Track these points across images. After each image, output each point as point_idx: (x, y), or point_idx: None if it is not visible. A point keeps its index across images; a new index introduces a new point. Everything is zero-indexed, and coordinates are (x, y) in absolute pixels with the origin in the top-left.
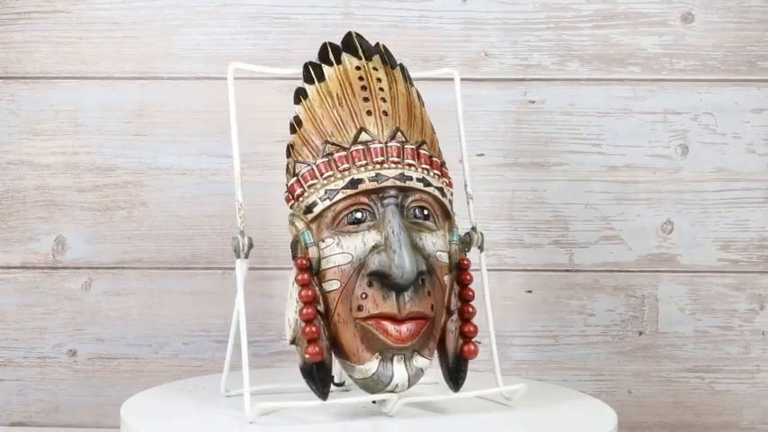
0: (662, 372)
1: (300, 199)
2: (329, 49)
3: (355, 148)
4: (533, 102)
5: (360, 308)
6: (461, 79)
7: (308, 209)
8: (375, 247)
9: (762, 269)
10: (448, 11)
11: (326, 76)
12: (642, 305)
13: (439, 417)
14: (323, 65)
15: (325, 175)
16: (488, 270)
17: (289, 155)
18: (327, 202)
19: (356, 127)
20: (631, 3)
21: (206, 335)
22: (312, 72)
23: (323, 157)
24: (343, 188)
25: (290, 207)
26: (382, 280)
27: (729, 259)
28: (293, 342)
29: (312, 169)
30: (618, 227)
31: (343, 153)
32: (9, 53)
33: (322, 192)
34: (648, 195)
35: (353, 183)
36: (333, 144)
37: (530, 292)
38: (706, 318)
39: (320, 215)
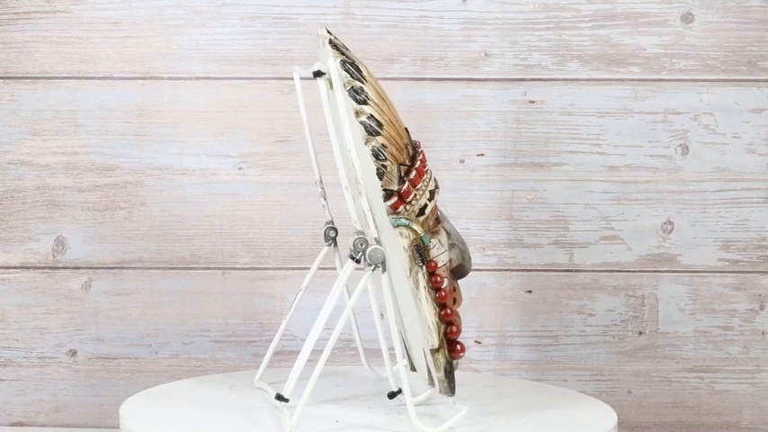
0: (662, 372)
1: (413, 202)
2: (340, 48)
3: (420, 149)
4: (533, 102)
5: (455, 301)
6: (462, 79)
7: (421, 211)
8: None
9: (762, 269)
10: (448, 11)
11: (365, 76)
12: (642, 305)
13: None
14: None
15: (423, 177)
16: (488, 270)
17: (384, 158)
18: (432, 203)
19: (403, 128)
20: (631, 3)
21: (206, 335)
22: (355, 70)
23: (412, 159)
24: (435, 188)
25: (396, 212)
26: (456, 272)
27: (729, 259)
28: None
29: (416, 172)
30: (618, 227)
31: (420, 155)
32: (9, 53)
33: (428, 193)
34: (648, 195)
35: (436, 183)
36: (411, 146)
37: (530, 292)
38: (706, 318)
39: (426, 217)
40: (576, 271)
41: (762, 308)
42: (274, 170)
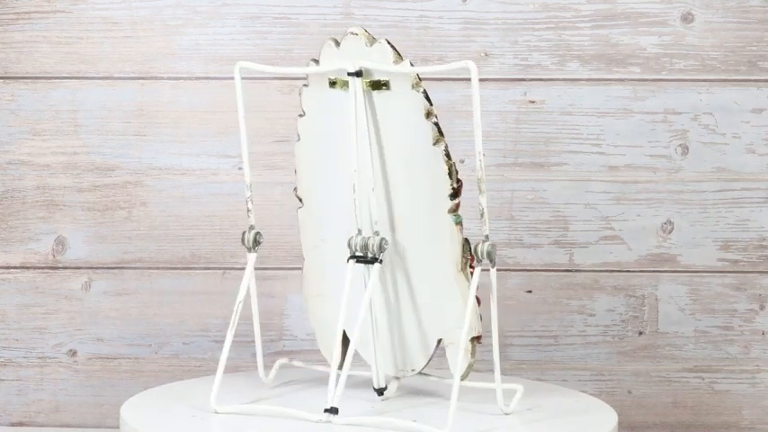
0: (662, 372)
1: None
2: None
3: None
4: (533, 102)
5: None
6: (462, 79)
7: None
8: None
9: (762, 269)
10: (448, 11)
11: None
12: (642, 305)
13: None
14: None
15: None
16: (488, 270)
17: (450, 158)
18: None
19: None
20: (631, 3)
21: (206, 335)
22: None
23: None
24: None
25: (455, 210)
26: None
27: (729, 259)
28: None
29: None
30: (618, 227)
31: None
32: (9, 53)
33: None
34: (648, 195)
35: None
36: None
37: (530, 292)
38: (706, 318)
39: None
40: (576, 271)
41: (762, 308)
42: (274, 170)
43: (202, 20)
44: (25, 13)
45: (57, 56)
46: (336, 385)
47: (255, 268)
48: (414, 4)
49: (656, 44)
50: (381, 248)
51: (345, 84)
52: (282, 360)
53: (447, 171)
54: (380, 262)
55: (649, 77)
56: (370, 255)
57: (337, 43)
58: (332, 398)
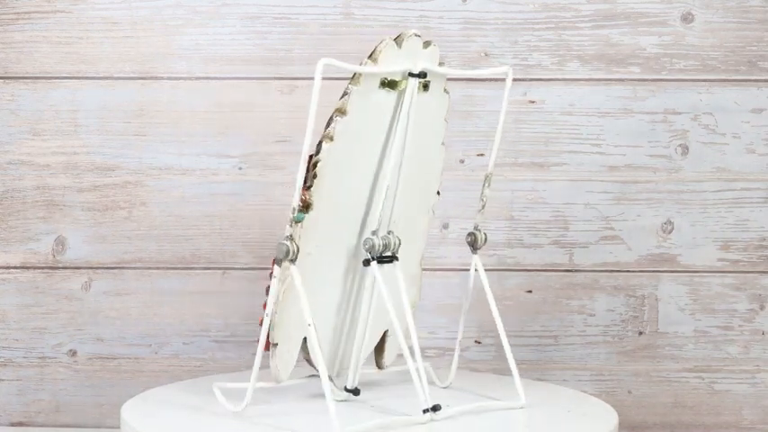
0: (662, 372)
1: None
2: None
3: None
4: (533, 102)
5: None
6: (462, 79)
7: None
8: None
9: (762, 269)
10: (448, 11)
11: None
12: (642, 305)
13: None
14: None
15: None
16: (488, 270)
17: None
18: None
19: None
20: (631, 3)
21: (206, 335)
22: None
23: None
24: None
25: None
26: None
27: (729, 259)
28: None
29: None
30: (618, 227)
31: None
32: (9, 53)
33: None
34: (648, 195)
35: None
36: None
37: (530, 292)
38: (706, 318)
39: None
40: (576, 271)
41: (762, 308)
42: (274, 170)
43: (202, 20)
44: (25, 13)
45: (57, 56)
46: (422, 384)
47: (255, 268)
48: (414, 4)
49: (656, 44)
50: (400, 246)
51: (396, 84)
52: (220, 383)
53: (441, 169)
54: (397, 259)
55: (649, 77)
56: (390, 253)
57: (398, 44)
58: (425, 397)
